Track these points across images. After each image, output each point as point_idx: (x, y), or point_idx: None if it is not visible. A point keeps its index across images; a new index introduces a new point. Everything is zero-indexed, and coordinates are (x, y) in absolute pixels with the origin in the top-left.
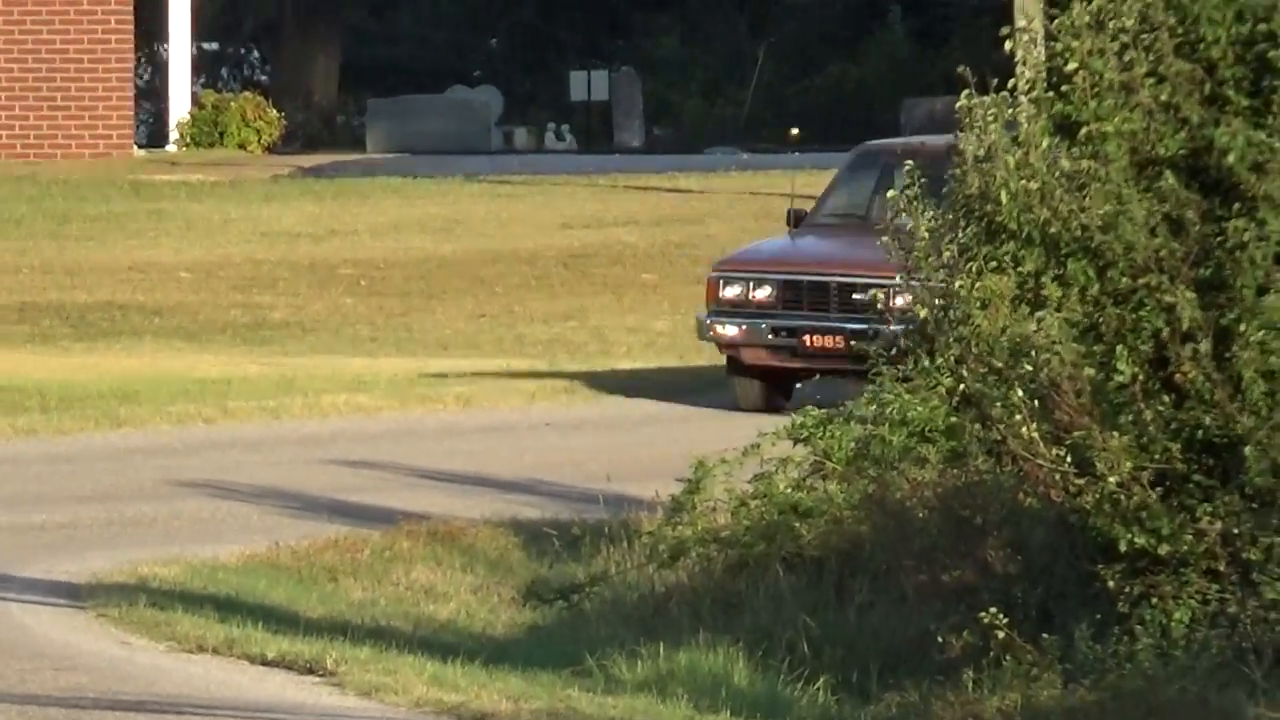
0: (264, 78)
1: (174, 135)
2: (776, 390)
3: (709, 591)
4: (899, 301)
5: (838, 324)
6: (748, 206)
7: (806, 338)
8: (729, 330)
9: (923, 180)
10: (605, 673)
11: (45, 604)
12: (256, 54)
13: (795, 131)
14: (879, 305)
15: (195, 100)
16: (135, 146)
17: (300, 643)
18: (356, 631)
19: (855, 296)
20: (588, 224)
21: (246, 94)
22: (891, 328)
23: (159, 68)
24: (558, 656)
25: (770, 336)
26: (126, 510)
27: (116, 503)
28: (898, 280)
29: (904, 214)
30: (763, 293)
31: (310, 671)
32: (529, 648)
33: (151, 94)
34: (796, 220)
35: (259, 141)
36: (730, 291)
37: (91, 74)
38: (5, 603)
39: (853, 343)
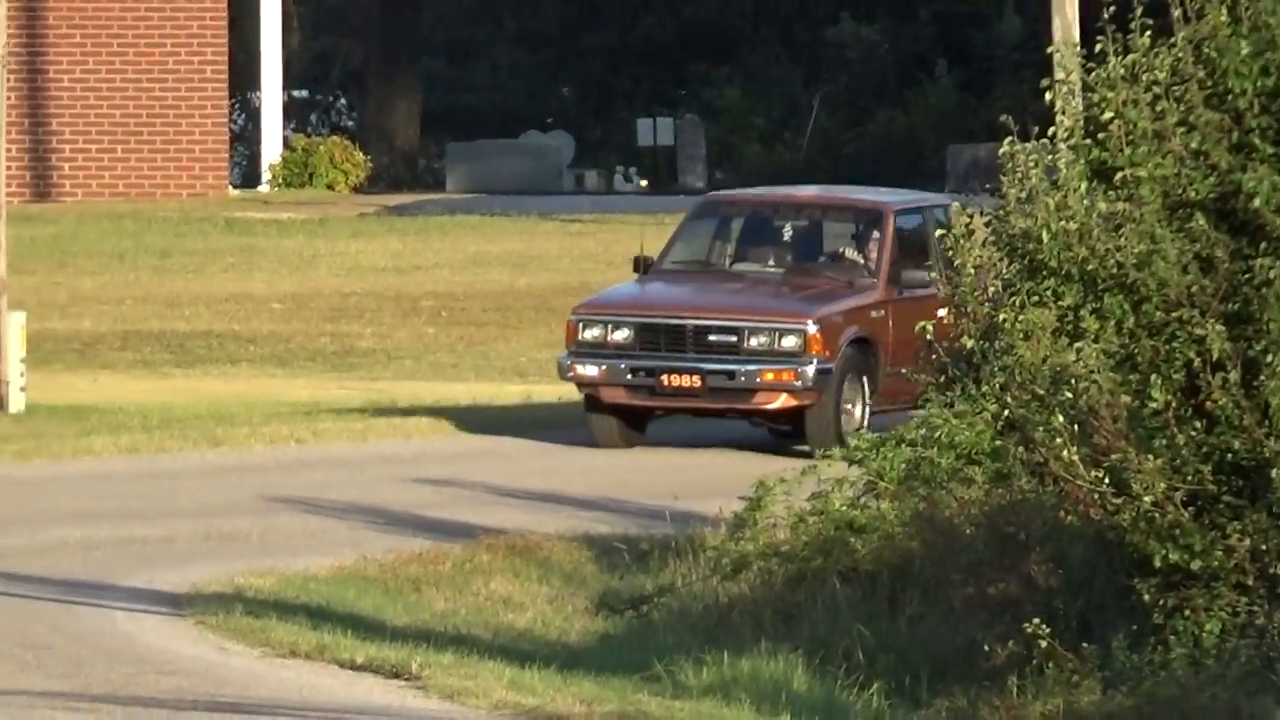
0: (350, 123)
1: (267, 176)
2: (632, 427)
3: (769, 602)
4: (753, 342)
5: (694, 364)
6: None
7: (664, 377)
8: (589, 370)
9: (764, 228)
10: (672, 678)
11: (147, 612)
12: (343, 101)
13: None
14: (739, 343)
15: (286, 144)
16: (230, 187)
17: (387, 649)
18: (439, 639)
19: (711, 338)
20: None
21: (334, 138)
22: (745, 368)
23: (252, 114)
24: (628, 663)
25: (629, 376)
26: (223, 525)
27: (214, 517)
28: (749, 322)
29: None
30: (621, 334)
31: (396, 676)
32: (601, 655)
33: (245, 138)
34: (645, 267)
35: (346, 182)
36: (590, 333)
37: (189, 119)
38: (110, 611)
39: (707, 382)
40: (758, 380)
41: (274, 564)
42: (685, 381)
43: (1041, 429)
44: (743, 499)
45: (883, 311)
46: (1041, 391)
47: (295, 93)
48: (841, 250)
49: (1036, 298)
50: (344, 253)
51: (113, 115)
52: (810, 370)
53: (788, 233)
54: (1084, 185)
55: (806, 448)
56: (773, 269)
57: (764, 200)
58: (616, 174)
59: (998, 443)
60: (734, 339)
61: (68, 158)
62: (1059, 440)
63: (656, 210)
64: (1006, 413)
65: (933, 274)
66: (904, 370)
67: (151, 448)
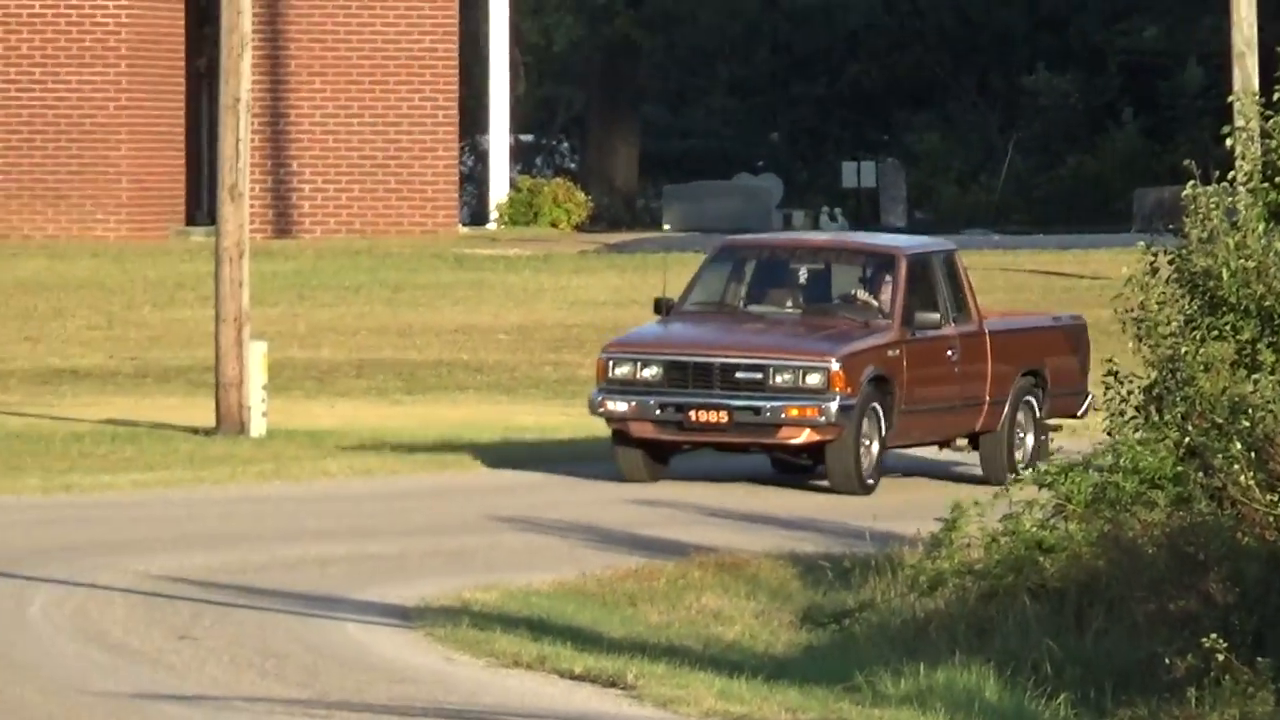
0: (573, 165)
1: (494, 215)
2: (657, 460)
3: (963, 617)
4: (778, 379)
5: (721, 400)
6: (999, 280)
7: (692, 413)
8: (619, 406)
9: (779, 271)
10: (872, 688)
11: (379, 624)
12: (566, 144)
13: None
14: (765, 380)
15: (513, 184)
16: (460, 225)
17: (604, 659)
18: (653, 650)
19: (737, 375)
20: None
21: (558, 179)
22: (771, 404)
23: (481, 156)
24: (830, 673)
25: (657, 411)
26: (451, 542)
27: (442, 536)
28: (775, 360)
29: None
30: (649, 372)
31: (613, 685)
32: (805, 665)
33: (474, 179)
34: (666, 309)
35: (568, 221)
36: (620, 371)
37: (422, 161)
38: (344, 623)
39: (735, 418)
40: (782, 415)
41: (498, 579)
42: (712, 417)
43: (1220, 456)
44: (939, 520)
45: (898, 351)
46: (1220, 420)
47: (521, 136)
48: (854, 292)
49: (1216, 332)
50: (566, 287)
51: (350, 157)
52: (833, 406)
53: (803, 275)
54: (1262, 226)
55: (825, 483)
56: (790, 310)
57: (779, 245)
58: (822, 214)
59: (1179, 468)
60: (759, 376)
61: (307, 196)
62: (1236, 466)
63: None
64: (1187, 440)
65: (941, 316)
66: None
67: (383, 469)
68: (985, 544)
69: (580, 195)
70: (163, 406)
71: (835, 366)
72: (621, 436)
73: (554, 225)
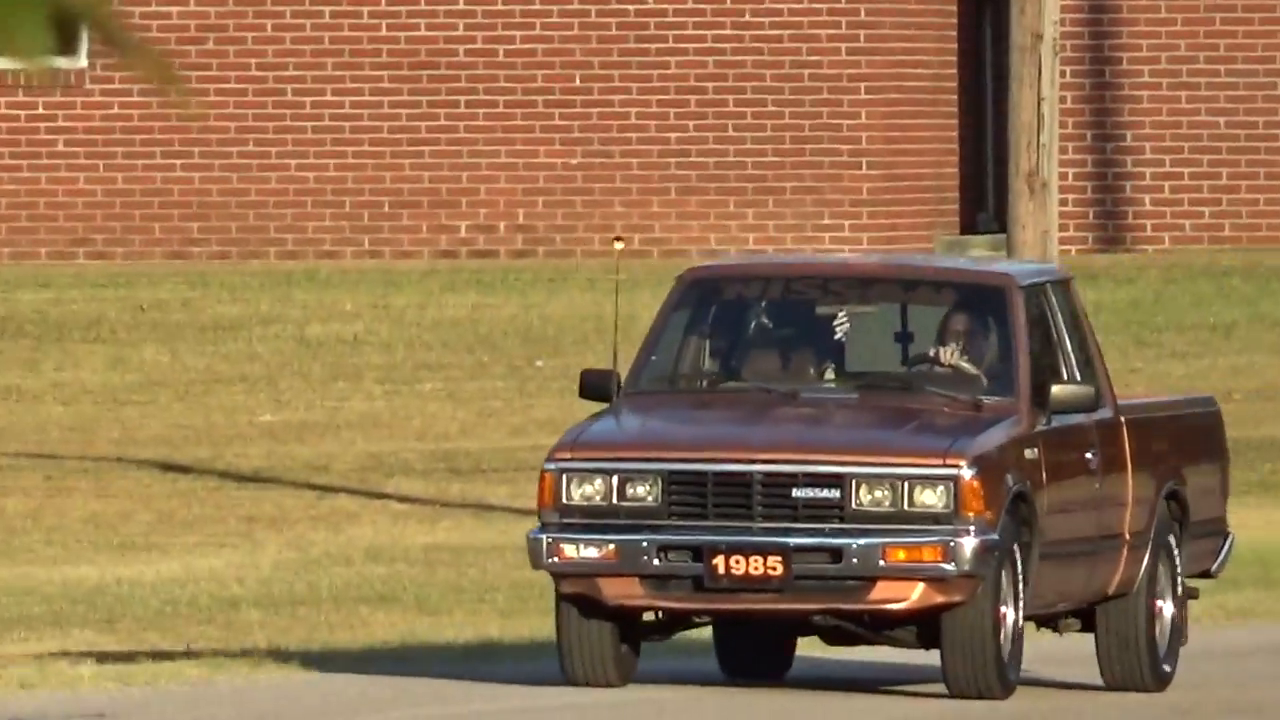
0: None
1: None
2: (628, 643)
3: None
4: (867, 497)
5: (770, 538)
6: None
7: (720, 559)
8: (584, 552)
9: (796, 320)
10: None
11: None
12: None
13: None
14: (845, 500)
15: None
16: None
17: None
18: None
19: (797, 494)
20: None
21: None
22: (859, 543)
23: None
24: None
25: (655, 560)
26: None
27: None
28: (860, 466)
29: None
30: (639, 489)
31: None
32: None
33: None
34: (614, 387)
35: None
36: (582, 490)
37: None
38: None
39: (794, 565)
40: (879, 561)
41: None
42: (756, 565)
43: None
44: None
45: (1036, 451)
46: None
47: None
48: (937, 352)
49: None
50: None
51: (1212, 127)
52: (968, 544)
53: (841, 327)
54: None
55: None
56: (831, 385)
57: (790, 275)
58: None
59: None
60: (835, 494)
61: (1148, 188)
62: None
63: None
64: None
65: (1092, 390)
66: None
67: None
68: None
69: None
70: None
71: (968, 474)
72: (583, 604)
73: None
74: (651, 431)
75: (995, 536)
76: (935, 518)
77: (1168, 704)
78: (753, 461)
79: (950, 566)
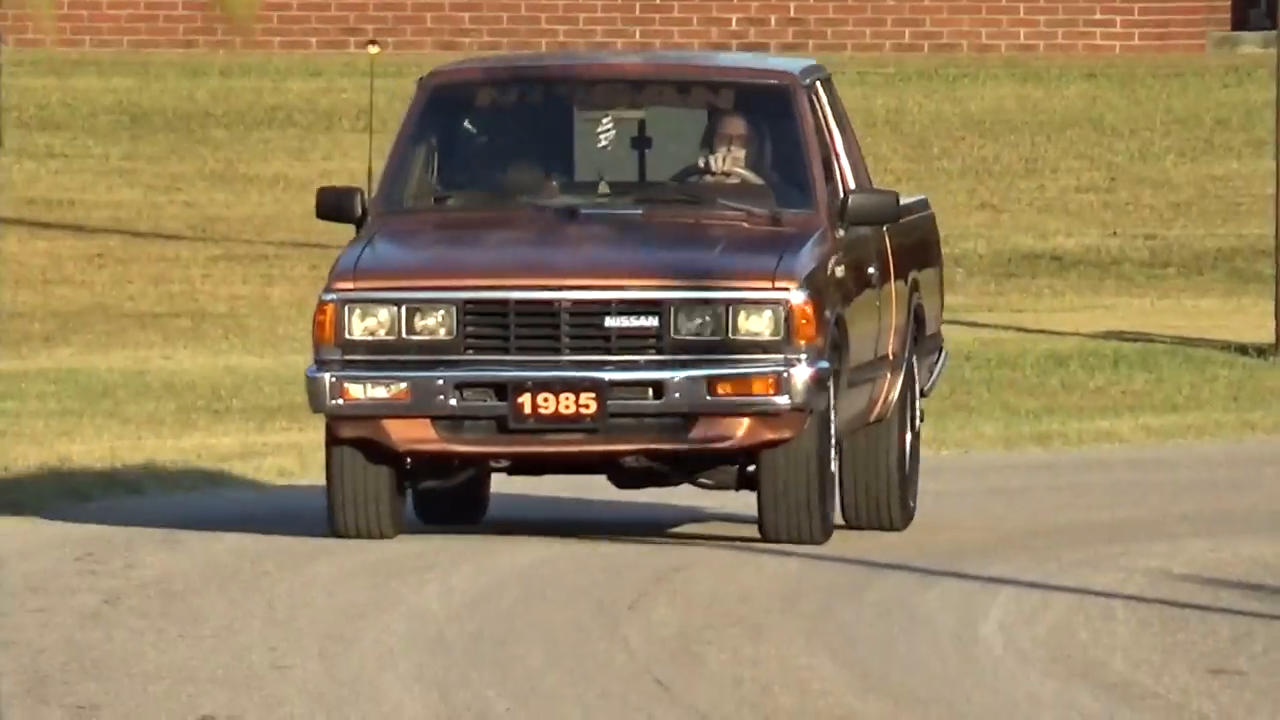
0: None
1: None
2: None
3: None
4: (688, 325)
5: (584, 371)
6: None
7: (526, 397)
8: (372, 391)
9: (556, 129)
10: None
11: None
12: None
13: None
14: (665, 329)
15: None
16: None
17: None
18: None
19: (611, 322)
20: None
21: None
22: (680, 375)
23: None
24: None
25: (452, 400)
26: None
27: None
28: (684, 289)
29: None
30: (433, 320)
31: None
32: None
33: None
34: (360, 207)
35: None
36: (366, 323)
37: None
38: None
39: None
40: (705, 395)
41: None
42: (567, 403)
43: None
44: None
45: (842, 268)
46: None
47: None
48: (710, 161)
49: None
50: None
51: None
52: (800, 374)
53: (606, 135)
54: None
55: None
56: (608, 200)
57: (546, 77)
58: None
59: None
60: (653, 321)
61: None
62: None
63: None
64: None
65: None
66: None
67: None
68: None
69: None
70: (1189, 311)
71: (798, 297)
72: (371, 451)
73: None
74: (443, 257)
75: (826, 365)
76: (764, 346)
77: (947, 542)
78: (560, 288)
79: (782, 400)
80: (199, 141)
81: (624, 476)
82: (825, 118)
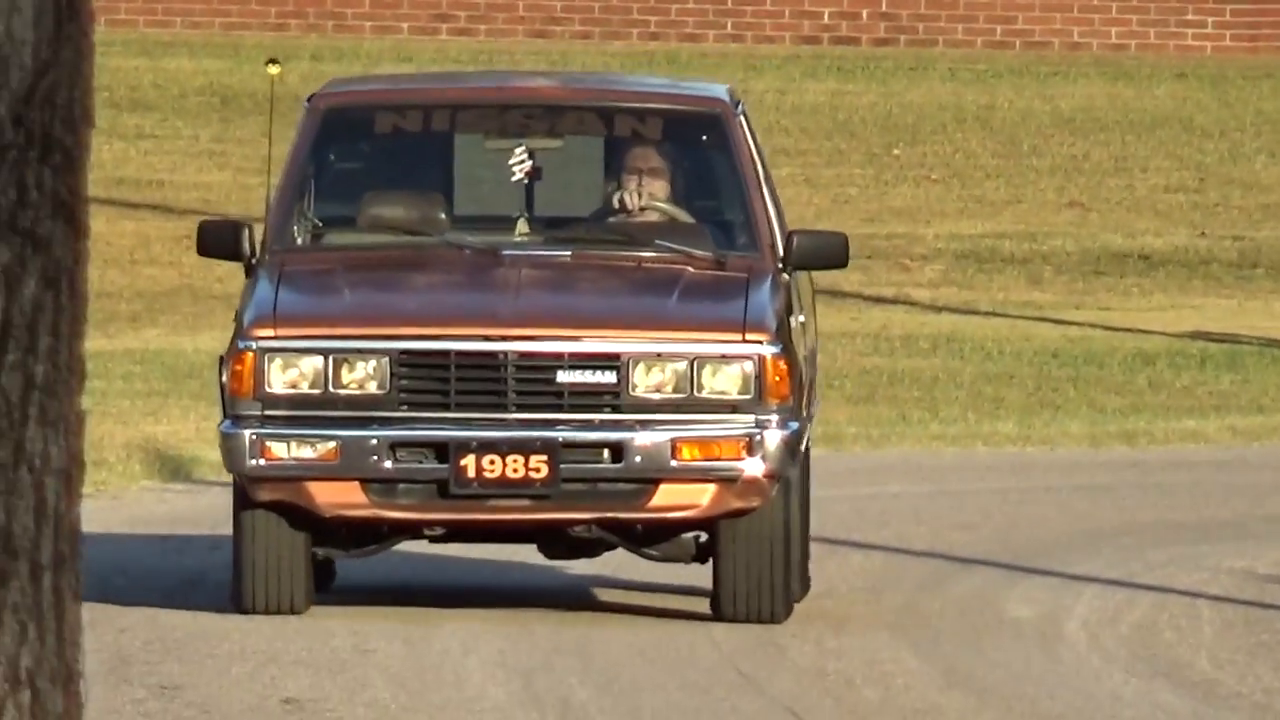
0: None
1: None
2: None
3: None
4: (646, 380)
5: (533, 430)
6: None
7: (469, 459)
8: (297, 451)
9: (464, 158)
10: None
11: None
12: None
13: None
14: (623, 384)
15: None
16: None
17: None
18: None
19: (563, 377)
20: None
21: None
22: (642, 438)
23: None
24: None
25: (386, 460)
26: None
27: None
28: (645, 342)
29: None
30: (363, 372)
31: None
32: None
33: None
34: (252, 247)
35: None
36: (289, 374)
37: None
38: None
39: (561, 465)
40: (669, 461)
41: None
42: (515, 467)
43: None
44: None
45: (792, 317)
46: None
47: None
48: (621, 200)
49: None
50: None
51: None
52: (773, 437)
53: (519, 167)
54: None
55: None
56: (526, 239)
57: (452, 101)
58: None
59: None
60: (610, 377)
61: None
62: None
63: None
64: None
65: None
66: None
67: None
68: None
69: None
70: (1277, 312)
71: (770, 350)
72: (284, 513)
73: None
74: (371, 301)
75: (797, 426)
76: (733, 405)
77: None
78: (506, 338)
79: (754, 465)
80: (289, 125)
81: (558, 546)
82: (753, 148)
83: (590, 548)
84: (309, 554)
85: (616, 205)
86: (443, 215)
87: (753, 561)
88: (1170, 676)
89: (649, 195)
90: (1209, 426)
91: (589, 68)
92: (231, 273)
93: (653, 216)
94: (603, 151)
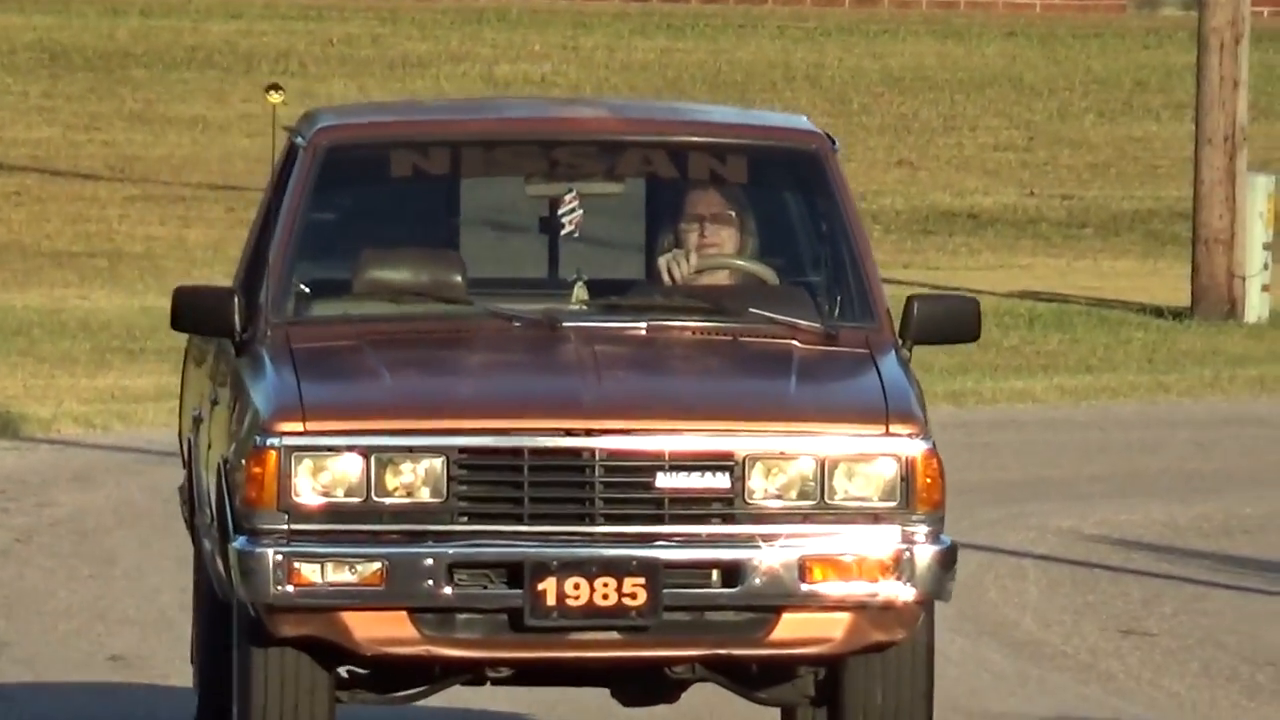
0: None
1: None
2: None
3: None
4: (766, 487)
5: (624, 549)
6: None
7: (547, 584)
8: (332, 574)
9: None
10: None
11: None
12: None
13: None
14: (738, 488)
15: None
16: None
17: None
18: None
19: (662, 481)
20: None
21: None
22: (762, 555)
23: None
24: None
25: (444, 585)
26: None
27: None
28: (767, 436)
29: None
30: (413, 475)
31: None
32: None
33: None
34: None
35: None
36: (321, 479)
37: None
38: None
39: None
40: (799, 585)
41: None
42: (605, 593)
43: None
44: None
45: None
46: None
47: None
48: (668, 263)
49: None
50: None
51: None
52: (924, 554)
53: (571, 218)
54: None
55: None
56: (585, 307)
57: (485, 136)
58: None
59: None
60: (723, 480)
61: None
62: None
63: None
64: None
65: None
66: None
67: None
68: None
69: None
70: (1105, 272)
71: (919, 448)
72: (311, 651)
73: None
74: (421, 389)
75: (949, 541)
76: (875, 515)
77: None
78: (591, 432)
79: (904, 588)
80: (118, 81)
81: (644, 689)
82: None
83: (673, 690)
84: (332, 701)
85: (672, 267)
86: (476, 277)
87: (891, 707)
88: (996, 635)
89: (749, 259)
90: (1037, 386)
91: (419, 24)
92: (59, 230)
93: (722, 277)
94: (644, 194)
